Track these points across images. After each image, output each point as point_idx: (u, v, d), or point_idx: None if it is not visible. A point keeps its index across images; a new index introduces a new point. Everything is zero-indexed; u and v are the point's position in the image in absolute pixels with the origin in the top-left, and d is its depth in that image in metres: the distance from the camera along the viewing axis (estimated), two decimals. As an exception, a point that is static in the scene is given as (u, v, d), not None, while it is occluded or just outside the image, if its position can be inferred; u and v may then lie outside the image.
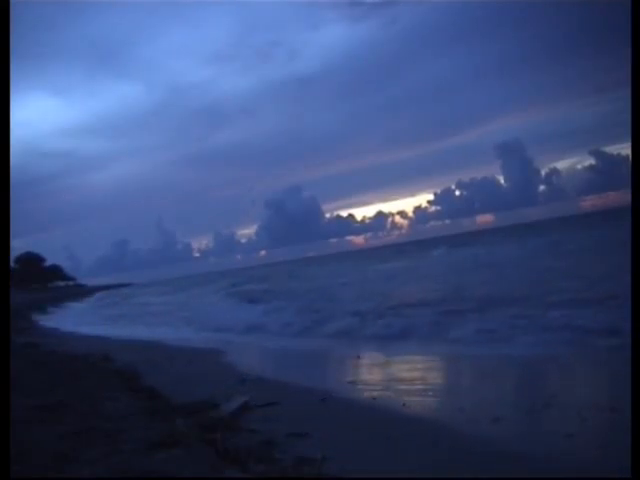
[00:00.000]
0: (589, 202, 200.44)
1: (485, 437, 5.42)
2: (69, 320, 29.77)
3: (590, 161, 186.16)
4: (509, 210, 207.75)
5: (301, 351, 12.39)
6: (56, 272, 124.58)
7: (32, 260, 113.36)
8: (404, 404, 6.83)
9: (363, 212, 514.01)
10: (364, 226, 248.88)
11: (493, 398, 6.86)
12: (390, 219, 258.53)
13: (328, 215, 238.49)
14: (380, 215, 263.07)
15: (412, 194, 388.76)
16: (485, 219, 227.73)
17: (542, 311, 11.19)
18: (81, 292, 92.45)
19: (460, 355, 9.67)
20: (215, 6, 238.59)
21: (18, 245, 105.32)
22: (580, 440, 5.03)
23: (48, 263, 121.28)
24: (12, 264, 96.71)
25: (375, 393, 7.51)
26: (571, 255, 23.18)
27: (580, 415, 5.61)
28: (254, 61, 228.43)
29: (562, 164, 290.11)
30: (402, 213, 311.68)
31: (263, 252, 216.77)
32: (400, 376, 8.53)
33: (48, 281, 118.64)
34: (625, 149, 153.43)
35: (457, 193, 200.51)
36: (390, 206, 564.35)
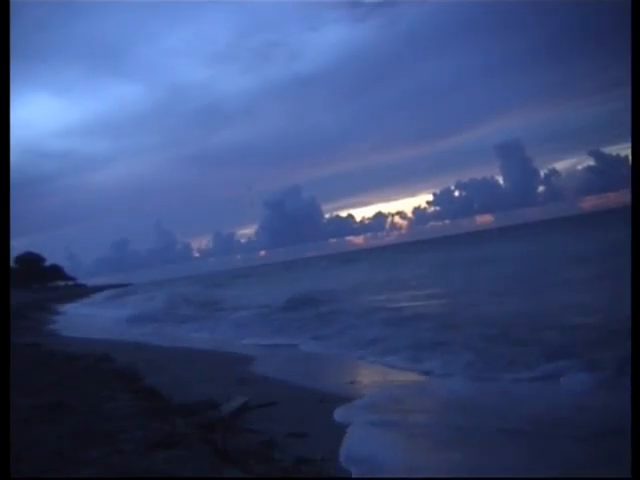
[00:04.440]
0: (589, 203, 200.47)
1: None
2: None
3: (589, 162, 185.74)
4: (508, 210, 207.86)
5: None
6: (56, 272, 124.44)
7: (32, 260, 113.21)
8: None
9: (362, 212, 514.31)
10: (363, 226, 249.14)
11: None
12: (389, 219, 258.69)
13: (327, 215, 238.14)
14: (379, 215, 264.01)
15: (412, 194, 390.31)
16: (484, 219, 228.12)
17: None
18: (84, 292, 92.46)
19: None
20: (215, 6, 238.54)
21: (18, 245, 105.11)
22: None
23: (48, 263, 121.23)
24: (12, 264, 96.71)
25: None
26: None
27: None
28: (254, 61, 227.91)
29: (562, 164, 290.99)
30: (401, 214, 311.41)
31: (263, 252, 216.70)
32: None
33: (48, 281, 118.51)
34: (625, 149, 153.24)
35: (456, 193, 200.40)
36: (389, 206, 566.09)
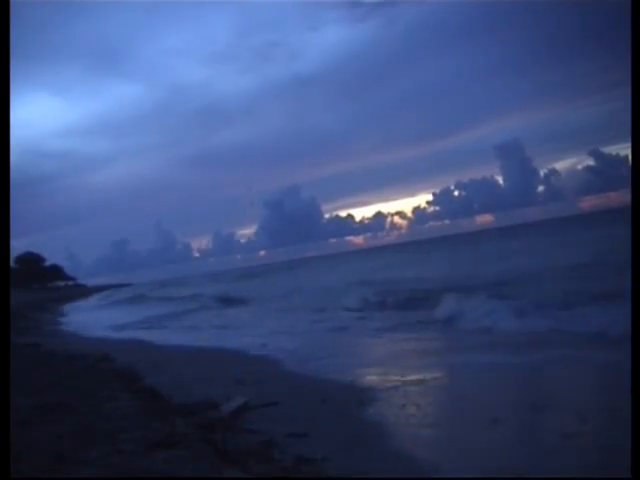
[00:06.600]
0: (588, 202, 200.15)
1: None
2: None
3: (589, 162, 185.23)
4: (508, 210, 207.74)
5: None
6: (56, 272, 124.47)
7: (32, 260, 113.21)
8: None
9: (362, 212, 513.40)
10: (363, 226, 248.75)
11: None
12: (389, 219, 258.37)
13: (327, 215, 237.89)
14: (379, 215, 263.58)
15: (411, 194, 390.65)
16: (484, 219, 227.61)
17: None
18: (84, 292, 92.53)
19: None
20: (215, 6, 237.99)
21: (18, 245, 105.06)
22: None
23: (48, 263, 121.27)
24: (12, 264, 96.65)
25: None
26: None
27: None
28: (254, 61, 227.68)
29: (562, 164, 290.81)
30: (401, 213, 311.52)
31: (262, 252, 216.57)
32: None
33: (48, 281, 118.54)
34: (625, 149, 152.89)
35: (456, 193, 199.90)
36: (389, 206, 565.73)
